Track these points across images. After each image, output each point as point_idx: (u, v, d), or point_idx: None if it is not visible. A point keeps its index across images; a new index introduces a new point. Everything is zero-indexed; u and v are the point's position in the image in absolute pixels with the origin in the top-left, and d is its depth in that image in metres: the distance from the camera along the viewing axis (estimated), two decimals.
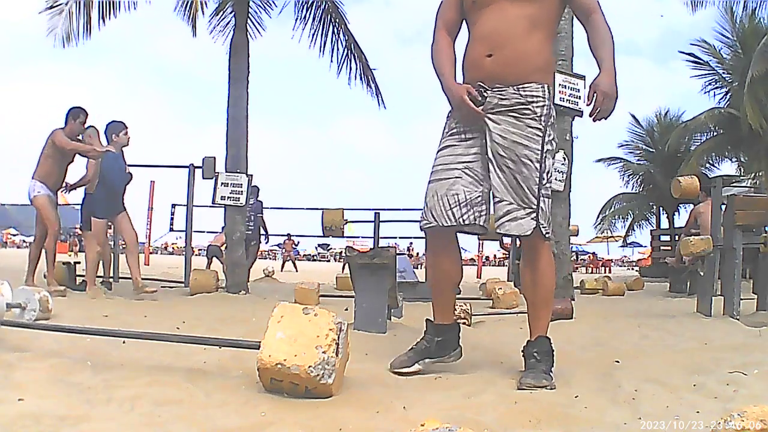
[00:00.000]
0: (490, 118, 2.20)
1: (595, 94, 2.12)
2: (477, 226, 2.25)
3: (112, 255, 6.77)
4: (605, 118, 2.16)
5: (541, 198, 2.19)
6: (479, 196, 2.22)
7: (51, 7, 7.43)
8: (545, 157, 2.20)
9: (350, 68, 8.41)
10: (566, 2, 2.28)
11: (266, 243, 10.79)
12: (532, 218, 2.17)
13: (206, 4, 7.51)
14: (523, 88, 2.19)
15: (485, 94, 2.21)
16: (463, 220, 2.21)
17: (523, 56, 2.19)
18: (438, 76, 2.33)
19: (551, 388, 2.06)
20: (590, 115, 2.16)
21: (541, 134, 2.20)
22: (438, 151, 2.31)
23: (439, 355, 2.34)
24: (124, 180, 5.50)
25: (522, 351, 2.29)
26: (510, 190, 2.17)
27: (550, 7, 2.25)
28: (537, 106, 2.20)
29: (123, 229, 5.45)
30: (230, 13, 7.43)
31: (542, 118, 2.21)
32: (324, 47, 8.21)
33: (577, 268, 23.46)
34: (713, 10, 14.59)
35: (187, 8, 7.69)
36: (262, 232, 9.95)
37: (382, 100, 8.66)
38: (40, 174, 5.35)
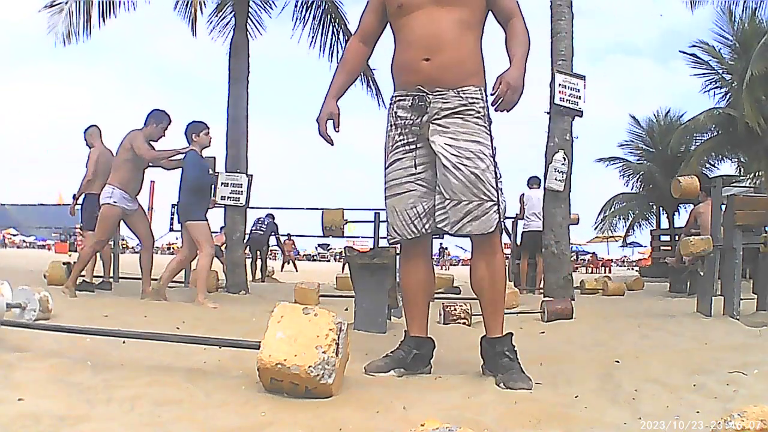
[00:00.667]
0: (437, 124, 2.21)
1: (499, 84, 2.13)
2: (440, 230, 2.27)
3: (111, 255, 6.77)
4: (508, 110, 2.17)
5: (500, 192, 2.21)
6: (434, 204, 2.24)
7: (51, 6, 7.44)
8: (495, 153, 2.24)
9: None
10: (489, 6, 2.31)
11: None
12: (494, 212, 2.18)
13: (205, 3, 7.52)
14: (462, 90, 2.22)
15: (427, 99, 2.23)
16: (426, 229, 2.27)
17: (460, 60, 2.23)
18: (330, 82, 2.41)
19: (532, 388, 2.06)
20: (492, 104, 2.18)
21: (487, 132, 2.23)
22: (388, 166, 2.33)
23: (413, 369, 2.31)
24: (211, 180, 5.21)
25: (483, 348, 2.28)
26: (470, 186, 2.16)
27: (477, 11, 2.28)
28: (479, 107, 2.24)
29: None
30: (230, 12, 7.44)
31: (484, 117, 2.24)
32: (324, 47, 8.23)
33: (577, 268, 23.44)
34: (713, 10, 14.59)
35: (187, 7, 7.70)
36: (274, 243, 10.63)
37: (383, 100, 8.68)
38: (118, 180, 5.01)
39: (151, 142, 5.12)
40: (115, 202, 4.97)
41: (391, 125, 2.33)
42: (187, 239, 5.12)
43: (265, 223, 11.27)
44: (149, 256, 5.32)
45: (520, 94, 2.16)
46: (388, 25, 2.40)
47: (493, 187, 2.18)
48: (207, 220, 5.09)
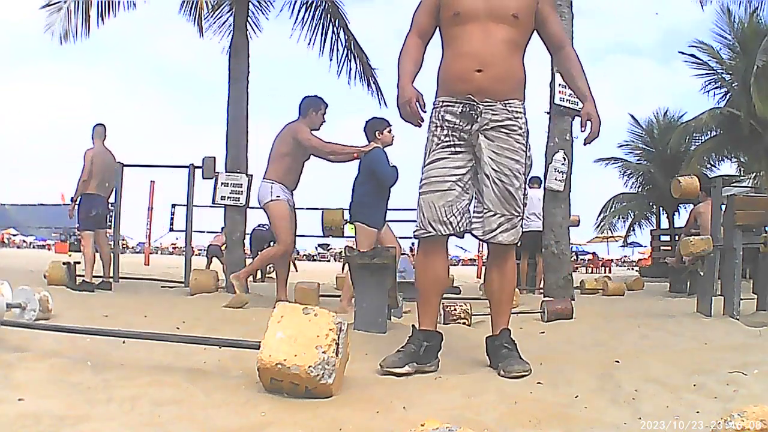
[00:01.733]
0: (485, 135, 2.34)
1: (589, 122, 2.36)
2: (470, 233, 2.41)
3: (111, 255, 6.77)
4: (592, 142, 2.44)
5: (522, 205, 2.41)
6: (467, 204, 2.38)
7: (50, 4, 7.43)
8: (527, 170, 2.43)
9: (350, 68, 8.42)
10: (538, 30, 2.44)
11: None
12: (520, 225, 2.40)
13: (209, 3, 7.51)
14: (509, 103, 2.36)
15: (478, 108, 2.33)
16: (460, 227, 2.37)
17: (509, 74, 2.37)
18: (398, 72, 2.44)
19: (530, 372, 2.22)
20: (585, 142, 2.43)
21: (524, 149, 2.40)
22: (430, 163, 2.39)
23: (424, 362, 2.35)
24: (395, 183, 4.61)
25: (487, 345, 2.45)
26: (504, 202, 2.34)
27: (526, 31, 2.43)
28: (522, 123, 2.39)
29: (388, 239, 4.63)
30: (228, 12, 7.44)
31: (525, 134, 2.41)
32: (323, 47, 8.23)
33: (577, 268, 23.44)
34: (714, 10, 14.60)
35: (192, 8, 7.70)
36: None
37: (384, 100, 8.68)
38: (277, 174, 4.71)
39: (313, 132, 4.82)
40: (278, 196, 4.68)
41: (437, 126, 2.40)
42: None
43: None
44: (286, 262, 5.01)
45: (600, 124, 2.39)
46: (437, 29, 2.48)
47: (521, 204, 2.38)
48: (379, 229, 4.57)
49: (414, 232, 2.44)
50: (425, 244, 2.43)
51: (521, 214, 2.38)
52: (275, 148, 4.83)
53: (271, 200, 4.68)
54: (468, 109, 2.33)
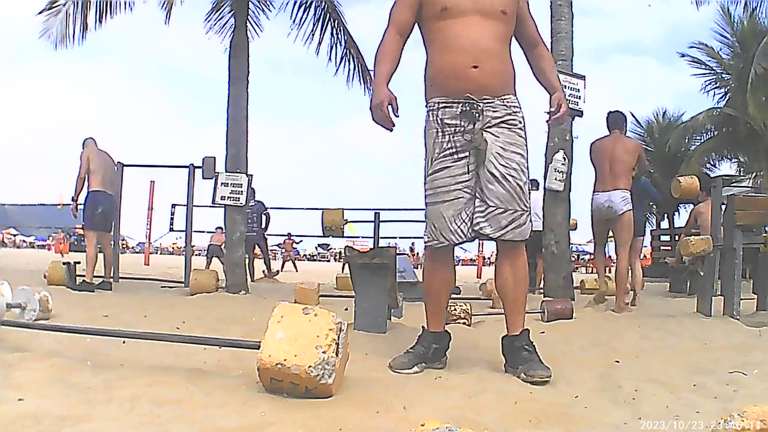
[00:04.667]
0: (490, 132, 2.30)
1: (558, 104, 2.40)
2: (481, 235, 2.37)
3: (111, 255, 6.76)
4: (559, 124, 2.54)
5: (529, 202, 2.40)
6: (473, 210, 2.34)
7: (49, 8, 7.41)
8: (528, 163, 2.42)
9: (348, 69, 8.42)
10: (516, 29, 2.45)
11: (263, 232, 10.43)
12: (530, 221, 2.37)
13: None
14: (506, 99, 2.35)
15: (478, 106, 2.29)
16: (470, 234, 2.34)
17: (503, 70, 2.37)
18: (374, 72, 2.41)
19: (551, 377, 2.16)
20: (548, 121, 2.47)
21: (525, 144, 2.39)
22: (434, 172, 2.35)
23: (432, 362, 2.39)
24: None
25: (504, 346, 2.37)
26: (515, 197, 2.31)
27: (512, 28, 2.43)
28: (520, 117, 2.38)
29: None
30: (228, 12, 7.42)
31: (524, 128, 2.40)
32: (320, 47, 8.22)
33: (577, 268, 23.42)
34: (714, 10, 14.61)
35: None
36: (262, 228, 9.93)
37: None
38: (628, 185, 4.97)
39: None
40: (631, 207, 4.93)
41: (437, 131, 2.34)
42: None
43: (254, 218, 9.90)
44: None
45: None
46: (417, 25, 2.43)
47: (528, 198, 2.37)
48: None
49: (425, 242, 2.40)
50: (435, 252, 2.42)
51: (529, 210, 2.36)
52: (625, 161, 4.98)
53: (628, 210, 4.92)
54: (468, 108, 2.28)
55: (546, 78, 2.50)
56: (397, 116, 2.30)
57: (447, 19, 2.31)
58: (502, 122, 2.32)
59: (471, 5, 2.30)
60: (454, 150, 2.31)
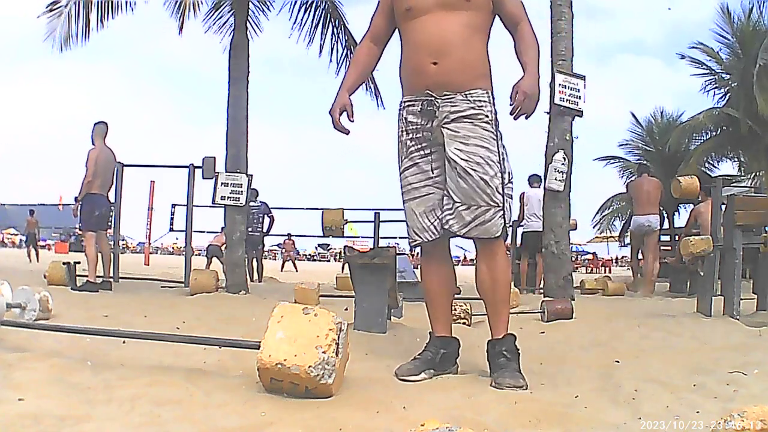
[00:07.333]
0: (448, 128, 2.24)
1: (516, 94, 2.19)
2: (451, 232, 2.30)
3: (112, 255, 6.77)
4: (526, 117, 2.23)
5: (505, 197, 2.25)
6: (444, 206, 2.28)
7: (50, 10, 7.41)
8: (503, 158, 2.27)
9: None
10: (496, 11, 2.34)
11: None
12: (500, 217, 2.23)
13: (199, 6, 7.49)
14: (470, 93, 2.24)
15: (435, 103, 2.25)
16: (442, 232, 2.29)
17: (468, 64, 2.25)
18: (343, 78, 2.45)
19: (526, 389, 2.06)
20: (510, 114, 2.22)
21: (494, 137, 2.26)
22: (404, 170, 2.36)
23: (441, 369, 2.32)
24: None
25: (487, 349, 2.29)
26: (479, 191, 2.20)
27: (484, 15, 2.31)
28: (487, 110, 2.26)
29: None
30: (228, 12, 7.42)
31: (493, 122, 2.26)
32: (322, 47, 8.22)
33: (577, 268, 23.44)
34: (714, 10, 14.63)
35: (177, 6, 7.67)
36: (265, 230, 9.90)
37: (382, 101, 8.69)
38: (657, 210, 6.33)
39: None
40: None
41: (402, 130, 2.36)
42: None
43: (259, 218, 9.86)
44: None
45: (537, 101, 2.22)
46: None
47: (499, 193, 2.23)
48: None
49: (408, 242, 2.42)
50: (424, 250, 2.40)
51: (501, 206, 2.22)
52: (653, 195, 7.51)
53: (657, 228, 7.06)
54: (427, 106, 2.25)
55: (521, 58, 2.30)
56: (352, 121, 2.35)
57: (412, 19, 2.30)
58: (464, 117, 2.23)
59: (432, 1, 2.26)
60: (418, 147, 2.31)
